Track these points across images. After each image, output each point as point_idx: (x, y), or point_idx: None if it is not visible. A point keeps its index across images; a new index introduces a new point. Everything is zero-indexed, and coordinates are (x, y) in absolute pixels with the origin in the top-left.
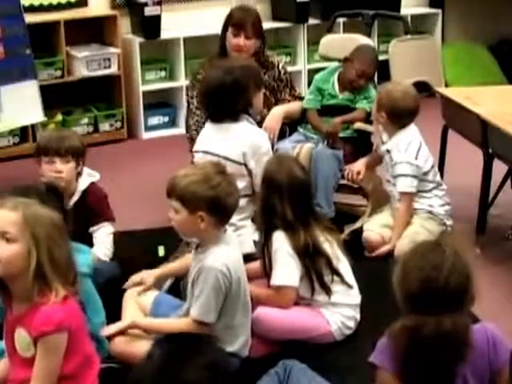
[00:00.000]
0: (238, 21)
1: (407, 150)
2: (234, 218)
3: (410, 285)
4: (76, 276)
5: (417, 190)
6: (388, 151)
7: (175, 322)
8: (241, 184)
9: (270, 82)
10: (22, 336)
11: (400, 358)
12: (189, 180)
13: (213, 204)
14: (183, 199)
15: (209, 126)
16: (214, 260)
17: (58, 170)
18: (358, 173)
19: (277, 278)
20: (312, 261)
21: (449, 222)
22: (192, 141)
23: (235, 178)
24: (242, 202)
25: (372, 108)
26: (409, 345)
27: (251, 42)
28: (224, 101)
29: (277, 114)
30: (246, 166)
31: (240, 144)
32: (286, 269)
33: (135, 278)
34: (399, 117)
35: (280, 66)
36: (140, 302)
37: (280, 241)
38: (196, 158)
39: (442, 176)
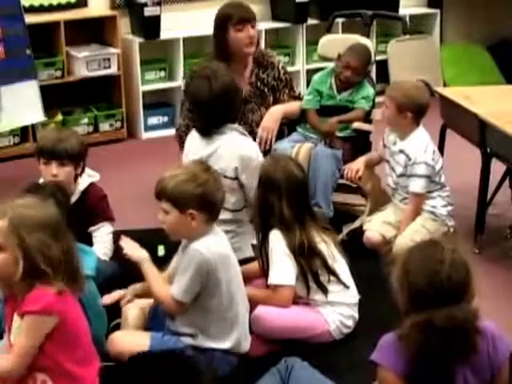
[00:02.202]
0: (242, 17)
1: (426, 150)
2: (234, 226)
3: (415, 282)
4: (77, 272)
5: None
6: (402, 151)
7: (162, 290)
8: (233, 198)
9: (270, 81)
10: (15, 322)
11: (411, 356)
12: (177, 180)
13: (202, 201)
14: (173, 199)
15: (196, 137)
16: (199, 244)
17: (54, 173)
18: (357, 171)
19: (273, 278)
20: (307, 260)
21: (450, 223)
22: (181, 140)
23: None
24: (239, 215)
25: (384, 112)
26: (422, 341)
27: (256, 31)
28: (214, 112)
29: (275, 113)
30: (237, 179)
31: (230, 158)
32: (283, 268)
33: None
34: (423, 113)
35: (280, 67)
36: (139, 301)
37: (276, 240)
38: None
39: None
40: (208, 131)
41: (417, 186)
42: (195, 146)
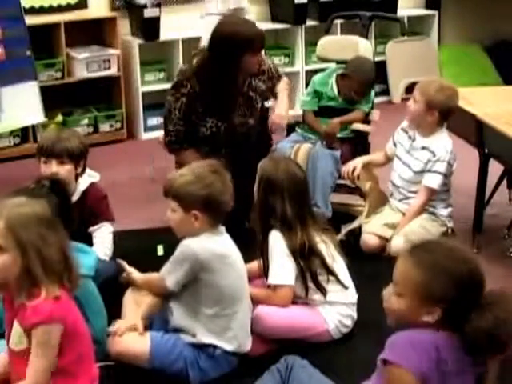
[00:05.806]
0: (262, 45)
1: (452, 151)
2: None
3: (446, 287)
4: (73, 271)
5: None
6: (425, 148)
7: (155, 283)
8: None
9: (261, 86)
10: (15, 328)
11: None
12: (183, 179)
13: (206, 202)
14: (178, 198)
15: None
16: (193, 241)
17: (54, 171)
18: (354, 168)
19: (273, 278)
20: (307, 261)
21: (450, 224)
22: (170, 145)
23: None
24: None
25: (413, 107)
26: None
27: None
28: None
29: (283, 111)
30: None
31: None
32: (282, 268)
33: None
34: (448, 116)
35: (270, 67)
36: (139, 300)
37: (276, 240)
38: None
39: None
40: None
41: (434, 181)
42: None
